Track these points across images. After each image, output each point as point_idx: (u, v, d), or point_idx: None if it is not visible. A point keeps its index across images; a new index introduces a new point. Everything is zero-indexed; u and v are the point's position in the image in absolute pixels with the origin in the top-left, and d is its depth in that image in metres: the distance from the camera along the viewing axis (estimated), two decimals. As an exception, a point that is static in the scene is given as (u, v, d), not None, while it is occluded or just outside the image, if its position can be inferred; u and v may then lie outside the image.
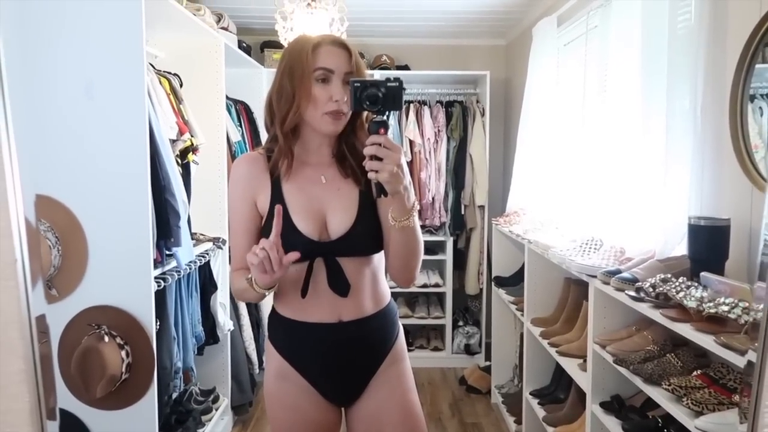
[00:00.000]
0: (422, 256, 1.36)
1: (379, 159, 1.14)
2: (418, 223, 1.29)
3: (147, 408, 1.99)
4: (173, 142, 2.31)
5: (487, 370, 3.69)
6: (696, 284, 1.45)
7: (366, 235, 1.31)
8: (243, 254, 1.30)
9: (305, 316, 1.33)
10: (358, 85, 1.17)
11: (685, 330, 1.30)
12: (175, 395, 2.72)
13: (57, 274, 1.92)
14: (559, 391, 2.54)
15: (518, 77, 3.94)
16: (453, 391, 3.73)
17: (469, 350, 4.15)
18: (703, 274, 1.46)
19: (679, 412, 1.31)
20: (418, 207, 1.27)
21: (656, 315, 1.43)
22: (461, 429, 3.20)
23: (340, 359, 1.34)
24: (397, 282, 1.38)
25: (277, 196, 1.31)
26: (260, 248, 1.16)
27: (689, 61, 1.73)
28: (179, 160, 2.37)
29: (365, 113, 1.32)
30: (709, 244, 1.53)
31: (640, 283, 1.57)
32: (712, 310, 1.28)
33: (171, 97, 2.39)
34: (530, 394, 2.65)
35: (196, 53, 2.93)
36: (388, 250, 1.34)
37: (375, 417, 1.38)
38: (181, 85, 2.61)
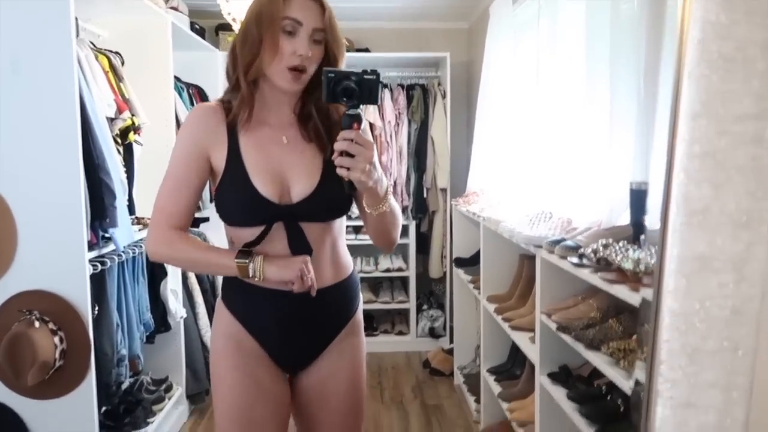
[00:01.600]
0: (401, 223, 1.34)
1: (351, 155, 1.09)
2: (393, 201, 1.26)
3: (85, 396, 1.92)
4: (112, 120, 2.22)
5: (451, 352, 3.67)
6: (635, 247, 1.43)
7: (329, 200, 1.26)
8: (177, 210, 1.24)
9: (265, 282, 1.26)
10: (332, 75, 1.11)
11: (621, 291, 1.28)
12: (124, 385, 2.64)
13: (-16, 259, 1.83)
14: (516, 367, 2.52)
15: (479, 60, 3.90)
16: (416, 375, 3.70)
17: (433, 333, 4.12)
18: (642, 237, 1.44)
19: (616, 375, 1.29)
20: (392, 189, 1.24)
21: (595, 279, 1.41)
22: (423, 411, 3.18)
23: (296, 328, 1.30)
24: (377, 246, 1.37)
25: (234, 153, 1.24)
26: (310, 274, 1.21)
27: (632, 27, 1.71)
28: (119, 140, 2.28)
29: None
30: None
31: (582, 250, 1.55)
32: (643, 267, 1.26)
33: (110, 74, 2.30)
34: (487, 371, 2.63)
35: (142, 33, 2.82)
36: (366, 224, 1.32)
37: (321, 385, 1.35)
38: (123, 64, 2.51)
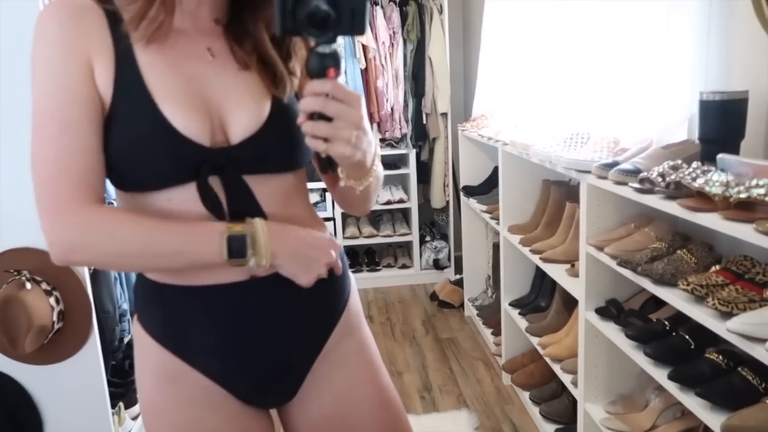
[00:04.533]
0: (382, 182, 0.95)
1: (328, 119, 0.73)
2: (380, 166, 0.89)
3: (90, 357, 1.75)
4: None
5: (458, 283, 3.57)
6: (713, 168, 1.26)
7: (284, 141, 0.85)
8: (84, 168, 0.76)
9: (195, 278, 0.83)
10: None
11: (713, 220, 1.11)
12: (127, 339, 2.49)
13: (-43, 215, 1.60)
14: (540, 299, 2.41)
15: (477, -32, 3.58)
16: (425, 308, 3.61)
17: (438, 265, 4.01)
18: (720, 156, 1.27)
19: (703, 315, 1.15)
20: (380, 151, 0.88)
21: (672, 207, 1.24)
22: (437, 345, 3.10)
23: (260, 338, 0.86)
24: (346, 212, 0.97)
25: (127, 74, 0.79)
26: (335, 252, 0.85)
27: None
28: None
29: None
30: (725, 122, 1.33)
31: (645, 173, 1.37)
32: (743, 195, 1.09)
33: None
34: (509, 304, 2.52)
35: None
36: (333, 190, 0.98)
37: (337, 416, 0.93)
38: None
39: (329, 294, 0.93)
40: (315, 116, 0.73)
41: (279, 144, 0.85)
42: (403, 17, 3.76)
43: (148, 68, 0.80)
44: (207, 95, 0.82)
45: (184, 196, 0.81)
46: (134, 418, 2.16)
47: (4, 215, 1.63)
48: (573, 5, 2.09)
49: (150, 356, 0.88)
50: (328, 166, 0.79)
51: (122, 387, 2.24)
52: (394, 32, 3.74)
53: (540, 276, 2.43)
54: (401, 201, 3.94)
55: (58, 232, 0.77)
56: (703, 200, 1.19)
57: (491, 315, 3.02)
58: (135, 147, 0.78)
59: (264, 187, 0.85)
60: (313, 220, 0.94)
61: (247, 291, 0.84)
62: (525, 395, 2.38)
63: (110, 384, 2.12)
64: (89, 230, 0.77)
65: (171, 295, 0.85)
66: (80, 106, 0.77)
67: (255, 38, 0.86)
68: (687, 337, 1.37)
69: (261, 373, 0.89)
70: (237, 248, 0.77)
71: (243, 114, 0.83)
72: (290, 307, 0.88)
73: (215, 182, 0.81)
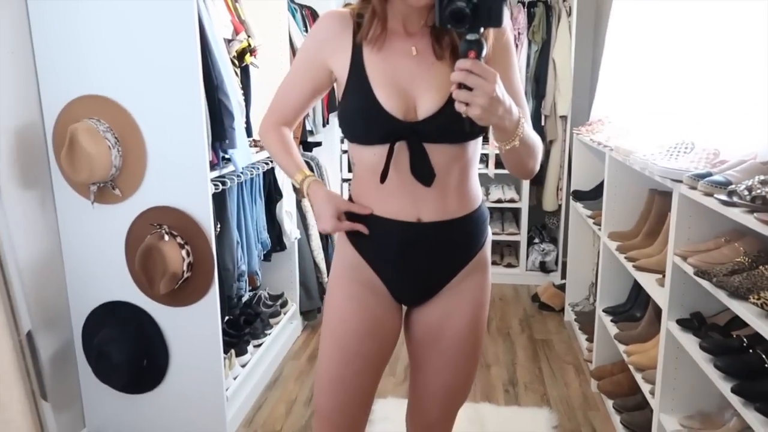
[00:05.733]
0: (541, 152, 1.18)
1: (469, 89, 0.95)
2: (529, 131, 1.10)
3: (210, 306, 2.05)
4: (229, 42, 2.23)
5: (562, 288, 3.54)
6: (803, 185, 1.22)
7: (455, 120, 1.07)
8: (282, 108, 1.31)
9: (381, 210, 1.20)
10: None
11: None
12: (244, 298, 2.82)
13: (119, 175, 1.95)
14: (636, 309, 2.37)
15: (612, -31, 3.49)
16: (525, 308, 3.63)
17: (544, 268, 4.00)
18: (814, 173, 1.23)
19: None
20: (524, 120, 1.06)
21: (749, 220, 1.22)
22: (530, 344, 3.13)
23: (415, 262, 1.22)
24: (513, 175, 1.25)
25: (357, 64, 1.16)
26: (347, 223, 1.22)
27: None
28: (236, 62, 2.30)
29: None
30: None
31: (733, 186, 1.35)
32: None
33: (227, -5, 2.29)
34: (603, 311, 2.50)
35: (257, -48, 2.78)
36: (501, 155, 1.18)
37: (437, 325, 1.26)
38: (238, -16, 2.49)
39: (467, 241, 1.25)
40: (461, 86, 0.95)
41: (452, 123, 1.09)
42: (530, 18, 3.77)
43: (369, 62, 1.15)
44: (406, 83, 1.14)
45: (383, 152, 1.15)
46: (243, 366, 2.47)
47: (151, 178, 1.96)
48: (693, 16, 2.03)
49: (344, 252, 1.29)
50: (470, 125, 1.00)
51: (236, 338, 2.56)
52: (519, 33, 3.77)
53: (637, 286, 2.38)
54: (512, 201, 3.97)
55: (262, 127, 1.35)
56: (785, 216, 1.17)
57: (589, 322, 2.99)
58: (356, 115, 1.17)
59: (437, 153, 1.15)
60: (466, 187, 1.22)
61: (412, 228, 1.19)
62: (610, 404, 2.36)
63: (225, 334, 2.45)
64: (266, 134, 1.34)
65: (370, 219, 1.23)
66: (301, 81, 1.26)
67: (452, 35, 1.14)
68: (763, 355, 1.33)
69: (409, 282, 1.26)
70: (296, 187, 1.29)
71: (428, 98, 1.13)
72: (437, 246, 1.22)
73: (404, 146, 1.14)
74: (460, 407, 1.36)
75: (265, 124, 1.34)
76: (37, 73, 1.93)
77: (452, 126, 1.11)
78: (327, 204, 1.23)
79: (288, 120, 1.33)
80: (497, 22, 0.94)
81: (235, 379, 2.37)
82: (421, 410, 1.36)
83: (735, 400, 1.27)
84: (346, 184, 3.96)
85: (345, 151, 3.91)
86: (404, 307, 1.33)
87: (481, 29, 0.95)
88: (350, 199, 1.28)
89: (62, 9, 1.88)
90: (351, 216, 1.25)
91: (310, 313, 3.25)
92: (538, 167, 1.20)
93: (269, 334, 2.77)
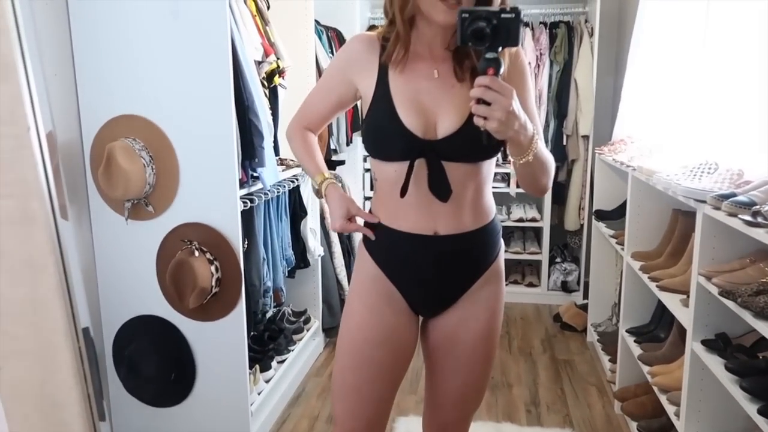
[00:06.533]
0: (553, 170, 1.25)
1: (487, 103, 1.01)
2: (542, 148, 1.16)
3: (237, 321, 2.09)
4: (259, 63, 2.30)
5: (584, 308, 3.52)
6: (828, 207, 1.23)
7: (476, 140, 1.14)
8: (308, 115, 1.39)
9: (400, 224, 1.26)
10: (466, 15, 1.02)
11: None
12: (269, 314, 2.86)
13: (152, 192, 2.02)
14: (659, 330, 2.36)
15: (634, -9, 3.52)
16: (546, 328, 3.62)
17: (566, 288, 3.98)
18: (839, 195, 1.23)
19: (793, 350, 1.14)
20: (537, 137, 1.13)
21: (774, 241, 1.23)
22: (552, 365, 3.11)
23: (432, 273, 1.28)
24: (526, 192, 1.32)
25: (382, 85, 1.23)
26: (355, 225, 1.32)
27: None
28: (266, 83, 2.37)
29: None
30: None
31: (758, 207, 1.37)
32: None
33: (257, 18, 2.37)
34: (627, 331, 2.49)
35: (285, -23, 2.88)
36: (514, 170, 1.29)
37: (451, 333, 1.32)
38: (268, 8, 2.58)
39: (481, 253, 1.30)
40: (480, 101, 1.02)
41: (469, 143, 1.17)
42: (552, 39, 3.81)
43: (393, 82, 1.22)
44: (427, 104, 1.21)
45: (403, 168, 1.21)
46: (267, 381, 2.50)
47: (183, 195, 2.02)
48: (716, 36, 2.05)
49: (364, 263, 1.34)
50: (488, 138, 1.06)
51: (260, 354, 2.60)
52: (540, 53, 3.81)
53: (661, 307, 2.38)
54: (534, 220, 3.98)
55: (289, 130, 1.44)
56: (809, 237, 1.18)
57: (612, 342, 2.97)
58: (379, 132, 1.23)
59: (454, 170, 1.21)
60: (480, 203, 1.28)
61: (428, 241, 1.25)
62: (634, 426, 2.34)
63: (250, 349, 2.49)
64: (293, 136, 1.43)
65: (385, 230, 1.29)
66: (328, 94, 1.35)
67: (471, 59, 1.21)
68: (790, 377, 1.33)
69: (427, 292, 1.31)
70: (315, 188, 1.39)
71: (447, 118, 1.19)
72: (454, 257, 1.28)
73: (423, 163, 1.20)
74: (474, 411, 1.42)
75: (292, 127, 1.43)
76: (77, 94, 2.02)
77: (469, 145, 1.19)
78: (339, 205, 1.31)
79: (313, 125, 1.41)
80: (514, 41, 1.02)
81: (259, 394, 2.40)
82: (436, 414, 1.41)
83: (762, 422, 1.26)
84: (368, 202, 4.01)
85: (368, 170, 3.97)
86: (420, 319, 1.38)
87: (500, 48, 1.02)
88: (370, 212, 1.35)
89: (103, 32, 1.97)
90: (380, 236, 1.31)
91: (333, 329, 3.28)
92: (550, 184, 1.26)
93: (292, 350, 2.80)
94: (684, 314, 1.80)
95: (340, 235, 3.39)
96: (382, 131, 1.22)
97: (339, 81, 1.32)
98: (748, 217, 1.38)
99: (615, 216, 3.02)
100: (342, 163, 3.56)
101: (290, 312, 2.98)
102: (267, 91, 2.39)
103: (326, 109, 1.38)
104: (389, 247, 1.30)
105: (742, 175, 1.67)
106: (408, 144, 1.19)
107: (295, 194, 2.84)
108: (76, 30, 1.98)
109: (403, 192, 1.21)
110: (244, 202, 2.10)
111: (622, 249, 2.59)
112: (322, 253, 3.10)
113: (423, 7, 1.16)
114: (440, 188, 1.21)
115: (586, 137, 3.81)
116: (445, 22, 1.15)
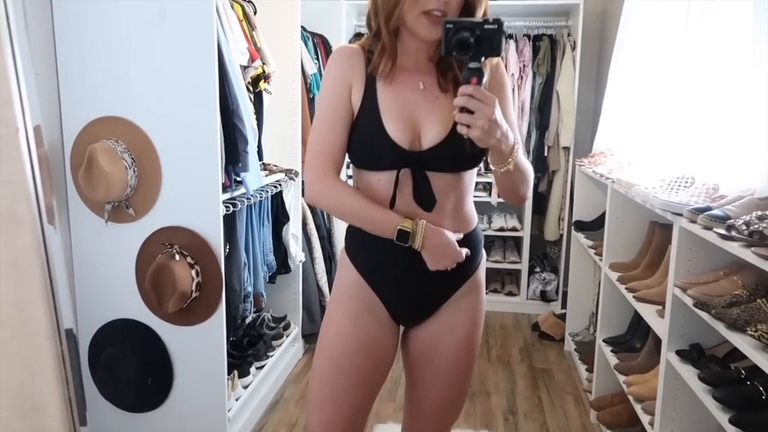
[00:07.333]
0: (532, 180, 1.29)
1: (470, 112, 1.04)
2: (522, 157, 1.19)
3: (216, 326, 2.08)
4: (244, 68, 2.30)
5: (563, 318, 3.56)
6: (799, 222, 1.27)
7: (459, 150, 1.17)
8: (335, 149, 1.23)
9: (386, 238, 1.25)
10: (451, 26, 1.05)
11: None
12: (248, 319, 2.84)
13: (134, 195, 2.00)
14: (636, 340, 2.39)
15: (617, 9, 3.59)
16: (525, 337, 3.65)
17: (545, 297, 4.02)
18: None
19: (765, 362, 1.17)
20: (518, 146, 1.16)
21: (747, 254, 1.27)
22: (530, 374, 3.14)
23: (415, 281, 1.28)
24: (506, 202, 1.33)
25: (370, 96, 1.23)
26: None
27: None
28: (251, 88, 2.37)
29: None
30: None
31: (732, 221, 1.40)
32: (816, 249, 1.11)
33: (243, 23, 2.37)
34: (604, 341, 2.52)
35: (271, -18, 2.88)
36: (495, 178, 1.28)
37: (432, 343, 1.33)
38: (255, 13, 2.58)
39: (462, 266, 1.28)
40: (463, 109, 1.05)
41: (453, 153, 1.21)
42: (535, 51, 3.87)
43: (381, 94, 1.22)
44: (413, 115, 1.22)
45: (388, 178, 1.22)
46: (245, 387, 2.48)
47: (165, 198, 2.01)
48: (695, 53, 2.11)
49: (347, 271, 1.33)
50: (471, 146, 1.09)
51: (239, 359, 2.58)
52: (524, 65, 3.86)
53: (638, 317, 2.41)
54: (514, 229, 4.02)
55: (314, 186, 1.25)
56: (782, 251, 1.21)
57: (589, 352, 3.00)
58: (365, 143, 1.23)
59: (438, 180, 1.23)
60: (462, 211, 1.29)
61: (411, 250, 1.22)
62: (609, 435, 2.37)
63: (229, 355, 2.47)
64: (329, 192, 1.24)
65: (368, 239, 1.26)
66: (339, 116, 1.24)
67: (454, 70, 1.23)
68: (761, 387, 1.36)
69: (409, 301, 1.32)
70: (401, 237, 1.21)
71: (432, 130, 1.21)
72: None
73: (407, 173, 1.21)
74: (454, 421, 1.43)
75: (320, 179, 1.23)
76: (59, 94, 2.00)
77: (453, 156, 1.21)
78: (449, 239, 1.23)
79: (339, 163, 1.25)
80: (497, 51, 1.06)
81: (237, 400, 2.38)
82: (416, 423, 1.42)
83: (733, 431, 1.29)
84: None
85: (350, 176, 3.97)
86: (401, 329, 1.39)
87: (482, 58, 1.05)
88: (355, 229, 1.32)
89: (87, 32, 1.95)
90: (363, 245, 1.30)
91: (312, 336, 3.27)
92: (530, 194, 1.29)
93: (272, 356, 2.79)
94: (659, 325, 1.83)
95: (322, 242, 3.39)
96: (369, 143, 1.23)
97: (344, 99, 1.24)
98: (722, 231, 1.41)
99: (594, 227, 3.07)
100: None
101: (270, 318, 2.97)
102: (252, 96, 2.39)
103: (344, 133, 1.24)
104: (373, 258, 1.30)
105: (717, 189, 1.71)
106: (394, 156, 1.20)
107: (277, 199, 2.83)
108: (59, 29, 1.96)
109: (392, 204, 1.23)
110: (226, 207, 2.09)
111: (601, 260, 2.63)
112: (304, 259, 3.09)
113: (408, 22, 1.18)
114: (424, 198, 1.23)
115: (566, 149, 3.86)
116: (429, 37, 1.17)
